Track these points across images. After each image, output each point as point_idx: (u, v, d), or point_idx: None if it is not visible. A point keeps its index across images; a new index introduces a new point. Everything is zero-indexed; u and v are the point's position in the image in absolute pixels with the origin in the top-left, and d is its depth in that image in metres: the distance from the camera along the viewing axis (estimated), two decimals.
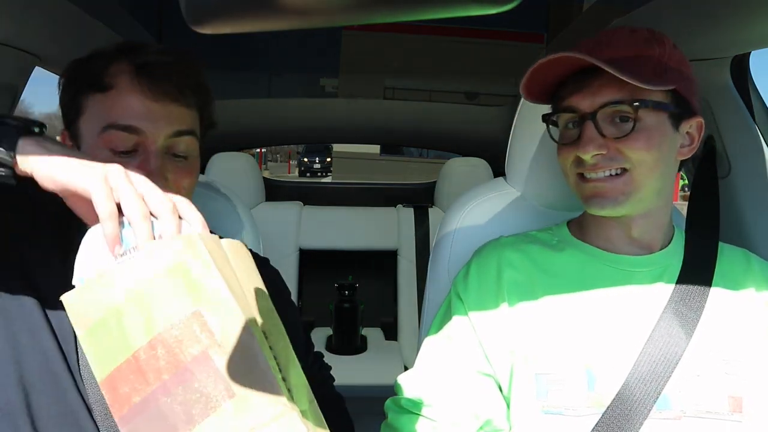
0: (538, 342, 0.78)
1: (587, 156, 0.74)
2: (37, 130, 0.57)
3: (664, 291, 0.78)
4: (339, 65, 2.16)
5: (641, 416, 0.72)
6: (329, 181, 12.48)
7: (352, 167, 11.26)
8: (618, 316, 0.77)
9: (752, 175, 1.04)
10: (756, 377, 0.74)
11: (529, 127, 0.97)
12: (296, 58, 2.09)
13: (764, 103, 1.11)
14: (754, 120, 1.06)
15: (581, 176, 0.78)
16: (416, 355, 1.00)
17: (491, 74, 2.24)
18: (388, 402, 0.85)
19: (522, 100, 0.99)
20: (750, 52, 1.07)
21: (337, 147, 12.82)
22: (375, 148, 11.03)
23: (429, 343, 0.85)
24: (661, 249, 0.82)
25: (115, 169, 0.52)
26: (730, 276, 0.81)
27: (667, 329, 0.75)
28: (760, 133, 1.05)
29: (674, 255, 0.82)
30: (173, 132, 0.76)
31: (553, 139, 0.82)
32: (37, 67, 1.26)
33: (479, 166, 2.26)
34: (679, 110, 0.76)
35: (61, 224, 0.78)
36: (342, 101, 2.43)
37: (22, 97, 1.30)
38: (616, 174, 0.75)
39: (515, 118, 1.00)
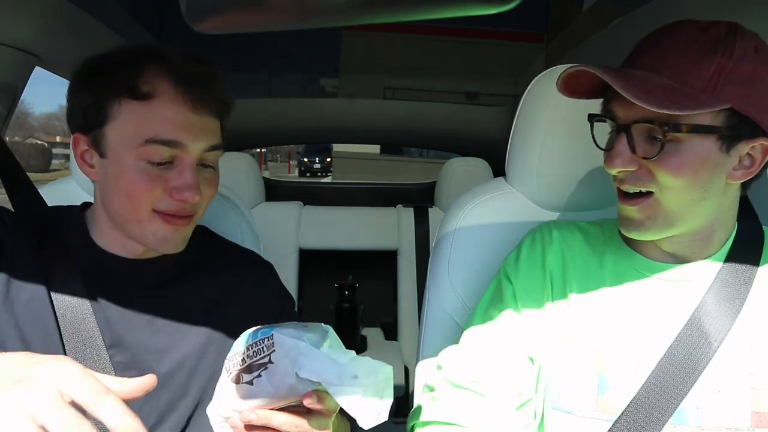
0: (556, 338, 0.78)
1: (613, 171, 0.71)
2: None
3: (694, 302, 0.75)
4: (339, 65, 2.17)
5: (655, 429, 0.70)
6: (329, 181, 12.48)
7: (352, 167, 11.27)
8: (642, 324, 0.75)
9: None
10: None
11: (529, 127, 0.97)
12: (296, 58, 2.09)
13: None
14: None
15: (620, 192, 0.74)
16: (416, 355, 1.00)
17: (491, 74, 2.24)
18: (435, 376, 0.84)
19: (522, 100, 0.99)
20: None
21: (337, 147, 12.85)
22: (375, 148, 11.03)
23: (477, 319, 0.85)
24: (705, 258, 0.77)
25: (44, 402, 0.42)
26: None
27: (688, 342, 0.72)
28: None
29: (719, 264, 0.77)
30: (209, 146, 0.76)
31: (596, 143, 0.77)
32: (37, 67, 1.26)
33: (479, 166, 2.26)
34: (734, 131, 0.67)
35: (41, 246, 0.77)
36: (342, 101, 2.43)
37: (22, 97, 1.30)
38: (643, 194, 0.71)
39: (515, 118, 1.00)
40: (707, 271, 0.76)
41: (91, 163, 0.77)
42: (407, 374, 2.05)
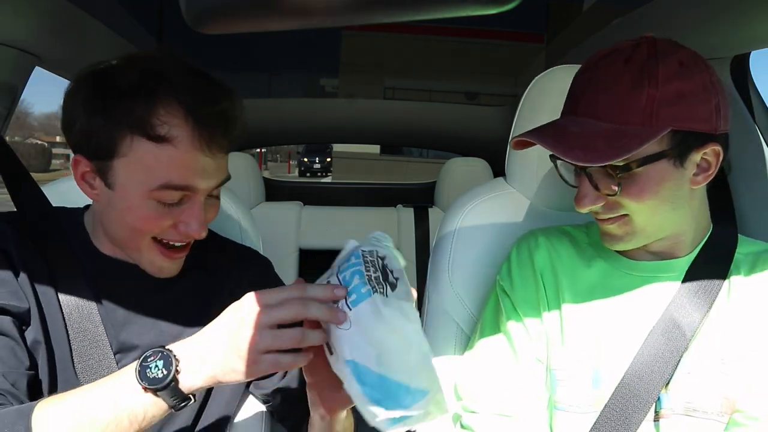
0: (553, 339, 0.80)
1: (583, 211, 0.75)
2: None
3: (671, 295, 0.78)
4: (339, 65, 2.16)
5: (640, 414, 0.72)
6: (329, 181, 12.47)
7: (352, 167, 11.25)
8: (628, 319, 0.78)
9: (752, 174, 1.04)
10: (756, 377, 0.73)
11: (529, 127, 0.97)
12: (296, 58, 2.09)
13: (764, 103, 1.11)
14: (754, 120, 1.06)
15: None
16: None
17: (491, 74, 2.24)
18: (457, 407, 0.86)
19: (522, 100, 0.99)
20: (750, 52, 1.07)
21: (337, 147, 12.82)
22: (375, 148, 11.02)
23: (485, 334, 0.87)
24: (686, 255, 0.80)
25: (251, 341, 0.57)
26: (750, 273, 0.78)
27: (662, 332, 0.75)
28: (760, 133, 1.05)
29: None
30: (219, 183, 0.75)
31: (564, 180, 0.81)
32: (37, 67, 1.26)
33: (479, 166, 2.26)
34: (682, 147, 0.70)
35: (46, 248, 0.77)
36: (342, 101, 2.42)
37: (22, 97, 1.30)
38: (618, 216, 0.75)
39: (515, 118, 1.00)
40: (685, 266, 0.79)
41: (94, 185, 0.74)
42: None
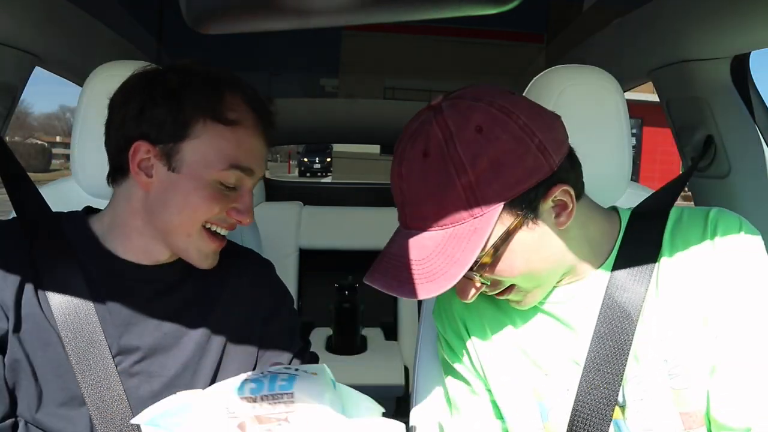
0: (491, 374, 0.79)
1: (468, 301, 0.70)
2: None
3: (597, 308, 0.73)
4: (339, 65, 2.16)
5: (606, 414, 0.70)
6: (329, 181, 12.48)
7: (352, 167, 11.26)
8: (560, 344, 0.74)
9: (752, 174, 1.04)
10: (709, 384, 0.68)
11: None
12: (296, 58, 2.09)
13: (764, 103, 1.11)
14: (754, 120, 1.06)
15: None
16: (415, 354, 1.00)
17: (491, 74, 2.23)
18: None
19: None
20: (750, 52, 1.07)
21: (337, 147, 12.83)
22: (375, 148, 11.01)
23: (447, 378, 0.87)
24: (600, 265, 0.74)
25: None
26: (672, 255, 0.72)
27: (599, 351, 0.71)
28: (760, 133, 1.05)
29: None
30: (261, 176, 0.81)
31: None
32: (37, 67, 1.26)
33: None
34: (526, 210, 0.64)
35: (39, 248, 0.77)
36: (342, 101, 2.43)
37: (22, 97, 1.30)
38: (507, 288, 0.71)
39: None
40: (604, 276, 0.73)
41: (150, 173, 0.75)
42: (407, 374, 2.05)
